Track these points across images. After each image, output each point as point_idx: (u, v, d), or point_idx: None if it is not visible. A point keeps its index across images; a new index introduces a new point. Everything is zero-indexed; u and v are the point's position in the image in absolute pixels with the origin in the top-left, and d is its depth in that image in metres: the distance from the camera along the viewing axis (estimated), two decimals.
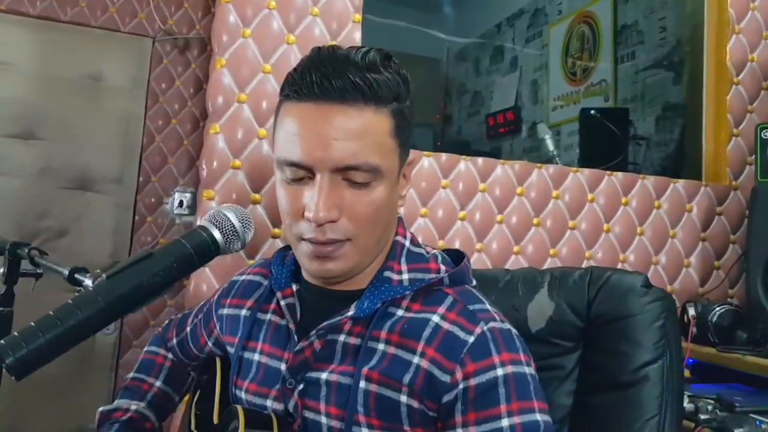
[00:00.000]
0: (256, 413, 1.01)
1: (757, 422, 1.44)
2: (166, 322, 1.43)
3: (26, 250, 1.47)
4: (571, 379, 1.25)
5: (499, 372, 0.91)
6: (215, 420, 1.16)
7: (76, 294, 0.88)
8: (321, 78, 0.91)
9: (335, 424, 0.96)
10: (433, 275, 1.02)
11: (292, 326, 1.04)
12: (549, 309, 1.28)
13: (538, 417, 0.91)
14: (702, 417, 1.54)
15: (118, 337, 2.87)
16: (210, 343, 1.26)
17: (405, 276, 1.02)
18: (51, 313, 0.83)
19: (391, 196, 0.98)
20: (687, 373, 1.84)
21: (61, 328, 0.81)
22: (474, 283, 1.07)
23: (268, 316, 1.10)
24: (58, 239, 2.84)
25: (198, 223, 0.99)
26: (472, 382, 0.90)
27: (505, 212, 1.98)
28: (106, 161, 2.95)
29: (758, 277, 1.92)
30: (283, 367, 1.03)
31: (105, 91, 2.97)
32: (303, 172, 0.93)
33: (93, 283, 1.21)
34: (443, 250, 1.10)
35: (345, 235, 0.94)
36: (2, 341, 0.79)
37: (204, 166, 1.72)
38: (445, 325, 0.95)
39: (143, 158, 3.04)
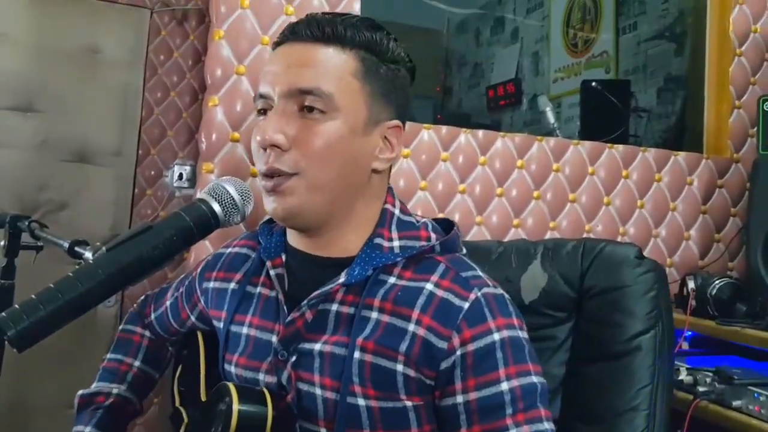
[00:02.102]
0: (248, 389, 0.99)
1: (755, 394, 1.45)
2: (142, 298, 1.39)
3: (26, 223, 1.47)
4: (563, 350, 1.27)
5: (496, 337, 0.93)
6: (203, 397, 1.15)
7: (77, 266, 0.88)
8: (294, 25, 1.00)
9: (330, 395, 0.95)
10: (424, 243, 1.02)
11: (281, 297, 1.03)
12: (542, 280, 1.29)
13: (535, 379, 0.93)
14: (701, 389, 1.55)
15: (119, 309, 2.88)
16: (193, 318, 1.24)
17: (396, 243, 1.01)
18: (52, 285, 0.83)
19: (351, 139, 0.97)
20: (686, 345, 1.85)
21: (62, 301, 0.81)
22: (464, 251, 1.08)
23: (258, 289, 1.09)
24: (58, 212, 2.84)
25: (197, 196, 0.99)
26: (470, 347, 0.92)
27: (505, 185, 1.97)
28: (105, 134, 2.94)
29: (758, 250, 1.92)
30: (274, 339, 1.02)
31: (103, 63, 2.95)
32: (264, 103, 0.99)
33: (93, 255, 1.21)
34: (433, 220, 1.10)
35: (291, 167, 0.94)
36: (4, 313, 0.79)
37: (203, 139, 1.71)
38: (440, 293, 0.96)
39: (142, 131, 3.02)
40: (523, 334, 0.96)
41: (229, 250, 1.20)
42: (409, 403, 0.94)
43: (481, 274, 1.01)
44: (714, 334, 1.75)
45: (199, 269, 1.24)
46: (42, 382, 2.69)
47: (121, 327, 1.36)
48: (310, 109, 0.95)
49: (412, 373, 0.94)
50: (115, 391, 1.24)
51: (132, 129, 3.00)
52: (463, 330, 0.92)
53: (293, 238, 1.06)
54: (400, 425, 0.95)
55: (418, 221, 1.07)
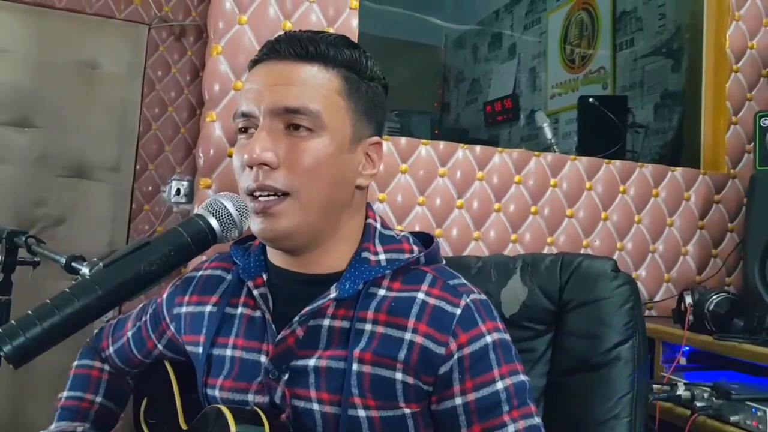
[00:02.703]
0: (242, 410, 0.98)
1: (753, 409, 1.45)
2: (96, 331, 1.33)
3: (23, 239, 1.47)
4: (543, 361, 1.31)
5: (488, 339, 0.97)
6: (182, 426, 1.13)
7: (74, 282, 0.87)
8: (274, 43, 1.00)
9: (329, 409, 0.96)
10: (408, 255, 1.04)
11: (268, 316, 1.02)
12: (522, 294, 1.34)
13: (523, 377, 0.99)
14: (698, 404, 1.55)
15: None
16: (160, 346, 1.21)
17: (382, 257, 1.03)
18: (48, 301, 0.83)
19: (338, 157, 0.99)
20: (683, 360, 1.85)
21: (59, 317, 0.81)
22: (444, 262, 1.11)
23: (239, 310, 1.08)
24: (55, 227, 2.83)
25: (195, 211, 0.98)
26: (466, 351, 0.96)
27: (503, 200, 1.98)
28: (102, 149, 2.94)
29: (756, 265, 1.92)
30: (263, 359, 1.01)
31: (101, 78, 2.96)
32: (246, 122, 0.99)
33: (90, 271, 1.21)
34: (410, 233, 1.13)
35: (283, 185, 0.95)
36: (0, 329, 0.79)
37: (201, 154, 1.71)
38: (431, 301, 0.99)
39: (140, 146, 3.02)
40: (508, 337, 1.01)
41: (200, 273, 1.18)
42: (407, 411, 0.96)
43: (465, 281, 1.04)
44: (711, 349, 1.75)
45: (165, 295, 1.20)
46: (37, 398, 2.68)
47: (75, 363, 1.30)
48: (297, 126, 0.96)
49: (410, 380, 0.96)
50: (79, 429, 1.18)
51: (129, 144, 3.00)
52: (458, 335, 0.96)
53: (276, 257, 1.06)
54: None
55: (397, 235, 1.09)
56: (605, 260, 1.31)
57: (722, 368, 1.82)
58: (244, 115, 0.98)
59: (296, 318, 0.98)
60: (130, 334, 1.25)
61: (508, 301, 1.33)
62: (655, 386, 1.64)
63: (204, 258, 1.45)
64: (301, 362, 0.98)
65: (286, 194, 0.95)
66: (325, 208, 0.99)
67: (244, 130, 1.00)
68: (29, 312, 0.81)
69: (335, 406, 0.95)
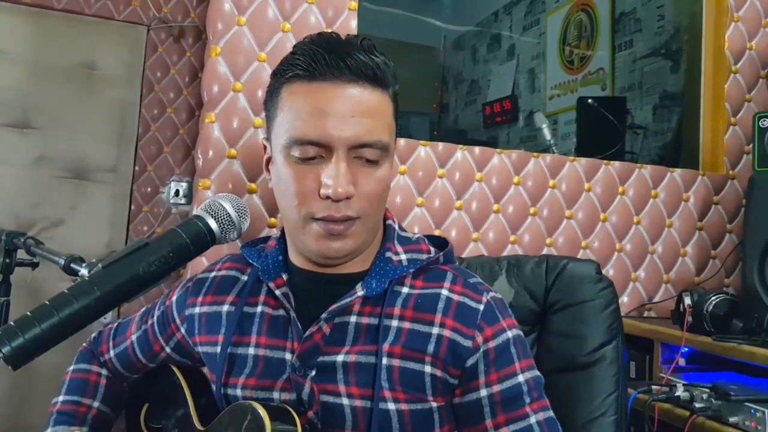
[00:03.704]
0: (273, 407, 0.97)
1: (752, 411, 1.45)
2: (94, 335, 1.30)
3: (22, 240, 1.47)
4: None
5: (510, 334, 1.02)
6: (198, 426, 1.12)
7: (72, 283, 0.87)
8: (335, 58, 0.95)
9: (359, 403, 0.98)
10: (427, 255, 1.08)
11: (293, 314, 1.03)
12: (509, 295, 1.38)
13: (538, 372, 1.04)
14: (697, 405, 1.55)
15: None
16: (168, 349, 1.20)
17: (403, 256, 1.07)
18: (47, 302, 0.83)
19: (390, 177, 1.04)
20: (682, 361, 1.85)
21: (57, 318, 0.81)
22: (457, 262, 1.15)
23: (259, 309, 1.08)
24: (54, 229, 2.83)
25: (194, 212, 0.98)
26: (491, 344, 1.00)
27: (502, 201, 1.98)
28: (101, 150, 2.94)
29: (755, 266, 1.92)
30: (288, 356, 1.02)
31: (100, 79, 2.95)
32: (315, 150, 0.96)
33: (89, 272, 1.21)
34: (425, 236, 1.16)
35: (357, 212, 0.97)
36: None
37: (200, 156, 1.71)
38: (456, 297, 1.03)
39: (139, 147, 3.02)
40: (522, 333, 1.06)
41: (213, 273, 1.17)
42: (434, 404, 1.00)
43: (481, 280, 1.09)
44: (710, 351, 1.74)
45: (174, 297, 1.20)
46: (35, 400, 2.67)
47: (72, 367, 1.28)
48: (371, 160, 0.98)
49: (438, 373, 0.99)
50: None
51: (128, 145, 3.00)
52: (484, 329, 1.00)
53: (299, 259, 1.07)
54: (426, 427, 1.00)
55: (413, 236, 1.12)
56: (589, 263, 1.36)
57: (721, 369, 1.82)
58: (314, 143, 0.95)
59: (324, 315, 1.00)
60: (134, 337, 1.23)
61: None
62: (654, 387, 1.63)
63: (203, 260, 1.45)
64: (328, 358, 1.00)
65: (356, 218, 0.98)
66: (379, 224, 1.06)
67: (305, 159, 0.97)
68: (28, 313, 0.81)
69: (366, 400, 0.97)
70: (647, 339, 1.91)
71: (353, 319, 1.02)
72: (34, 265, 1.51)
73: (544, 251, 2.00)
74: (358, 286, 1.02)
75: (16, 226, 2.62)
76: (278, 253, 1.10)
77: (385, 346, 0.99)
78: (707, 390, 1.57)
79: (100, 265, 0.89)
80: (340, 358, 1.00)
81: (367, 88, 0.97)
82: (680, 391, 1.58)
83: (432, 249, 1.10)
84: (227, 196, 1.01)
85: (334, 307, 1.00)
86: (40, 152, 2.84)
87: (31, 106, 2.83)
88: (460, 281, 1.05)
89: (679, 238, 2.19)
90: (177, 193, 3.00)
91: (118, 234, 2.95)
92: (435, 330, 1.00)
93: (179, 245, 0.92)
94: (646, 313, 2.14)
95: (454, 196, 1.93)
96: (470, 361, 0.99)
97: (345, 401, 0.98)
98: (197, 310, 1.14)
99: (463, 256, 1.84)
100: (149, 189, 3.03)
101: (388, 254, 1.06)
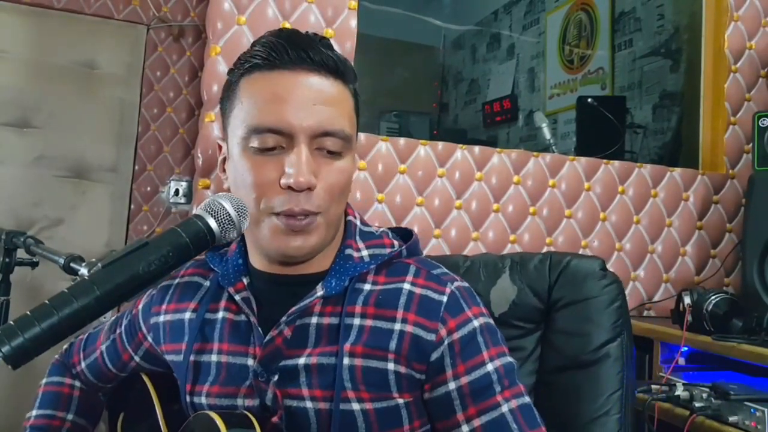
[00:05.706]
0: (231, 414, 0.97)
1: (752, 410, 1.45)
2: (65, 347, 1.28)
3: (22, 239, 1.47)
4: (532, 359, 1.32)
5: (476, 323, 0.99)
6: None
7: (72, 283, 0.87)
8: (296, 49, 0.95)
9: (323, 405, 0.96)
10: (390, 249, 1.05)
11: (253, 319, 1.01)
12: (512, 293, 1.35)
13: (510, 358, 1.01)
14: (697, 405, 1.55)
15: None
16: (137, 358, 1.18)
17: (364, 252, 1.04)
18: (47, 302, 0.82)
19: (352, 171, 1.01)
20: (682, 361, 1.85)
21: (57, 317, 0.81)
22: (423, 254, 1.13)
23: (220, 315, 1.06)
24: (53, 228, 2.83)
25: (193, 211, 0.98)
26: (456, 336, 0.97)
27: (502, 201, 1.98)
28: (101, 150, 2.94)
29: (754, 265, 1.92)
30: (250, 362, 1.00)
31: (99, 79, 2.96)
32: (275, 140, 0.93)
33: (88, 271, 1.21)
34: (389, 229, 1.14)
35: (317, 207, 0.94)
36: None
37: (199, 155, 1.71)
38: (418, 291, 1.00)
39: (138, 147, 3.03)
40: (492, 321, 1.03)
41: (177, 280, 1.15)
42: (401, 401, 0.97)
43: (447, 270, 1.06)
44: (710, 350, 1.75)
45: (140, 306, 1.18)
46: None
47: (45, 380, 1.25)
48: (332, 151, 0.96)
49: (402, 369, 0.96)
50: None
51: (128, 145, 3.00)
52: (447, 321, 0.97)
53: (260, 262, 1.05)
54: (393, 424, 0.97)
55: (376, 230, 1.10)
56: (593, 259, 1.33)
57: (721, 369, 1.82)
58: (273, 131, 0.93)
59: (283, 318, 0.98)
60: (103, 347, 1.21)
61: (498, 300, 1.35)
62: (653, 386, 1.64)
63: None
64: (290, 362, 0.98)
65: (317, 213, 0.95)
66: (340, 220, 1.03)
67: (264, 149, 0.94)
68: (27, 312, 0.81)
69: (328, 402, 0.95)
70: (647, 338, 1.91)
71: (314, 320, 0.99)
72: (34, 265, 1.51)
73: (544, 251, 2.00)
74: (318, 287, 0.99)
75: (15, 225, 2.62)
76: (238, 257, 1.08)
77: (347, 346, 0.96)
78: (707, 389, 1.57)
79: (99, 264, 0.89)
80: (302, 360, 0.97)
81: (329, 79, 0.96)
82: (680, 391, 1.59)
83: (395, 243, 1.07)
84: (227, 196, 1.00)
85: (293, 309, 0.98)
86: (40, 151, 2.84)
87: (30, 105, 2.84)
88: (423, 273, 1.02)
89: (678, 238, 2.19)
90: (177, 192, 3.00)
91: (117, 233, 2.95)
92: (397, 326, 0.97)
93: (179, 244, 0.92)
94: (645, 313, 2.15)
95: (454, 195, 1.93)
96: (435, 355, 0.97)
97: (309, 404, 0.96)
98: (161, 318, 1.12)
99: (466, 254, 1.84)
100: (149, 188, 3.04)
101: (349, 251, 1.03)
